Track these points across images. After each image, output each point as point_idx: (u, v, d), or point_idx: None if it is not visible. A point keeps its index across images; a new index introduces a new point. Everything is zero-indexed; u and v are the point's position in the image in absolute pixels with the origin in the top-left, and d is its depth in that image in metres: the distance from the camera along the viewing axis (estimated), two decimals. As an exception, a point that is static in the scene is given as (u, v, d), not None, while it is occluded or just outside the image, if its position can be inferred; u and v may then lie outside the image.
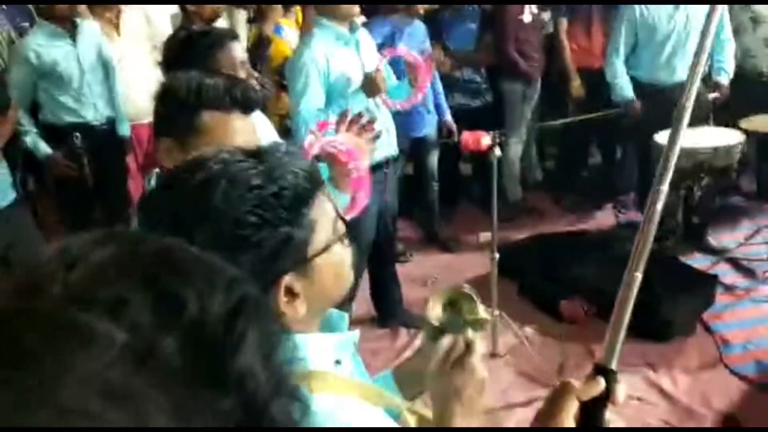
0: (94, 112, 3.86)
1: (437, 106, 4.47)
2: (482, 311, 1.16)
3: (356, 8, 3.24)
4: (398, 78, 3.42)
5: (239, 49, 2.19)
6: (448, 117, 4.47)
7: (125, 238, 0.46)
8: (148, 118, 4.16)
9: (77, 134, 3.78)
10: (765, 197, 4.58)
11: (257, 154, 0.96)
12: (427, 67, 3.21)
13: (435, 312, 1.16)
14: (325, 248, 0.99)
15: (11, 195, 3.36)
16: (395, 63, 3.46)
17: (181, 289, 0.43)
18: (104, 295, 0.41)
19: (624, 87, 4.25)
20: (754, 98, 4.25)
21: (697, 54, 0.98)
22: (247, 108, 1.56)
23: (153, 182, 1.67)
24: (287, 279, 0.96)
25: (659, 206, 0.92)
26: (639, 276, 0.92)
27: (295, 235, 0.95)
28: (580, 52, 4.86)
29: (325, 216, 1.00)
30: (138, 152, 4.19)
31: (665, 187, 0.93)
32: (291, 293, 0.96)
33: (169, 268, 0.45)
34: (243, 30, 3.83)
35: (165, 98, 1.60)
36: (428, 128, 4.43)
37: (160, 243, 0.47)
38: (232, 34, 2.28)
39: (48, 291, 0.41)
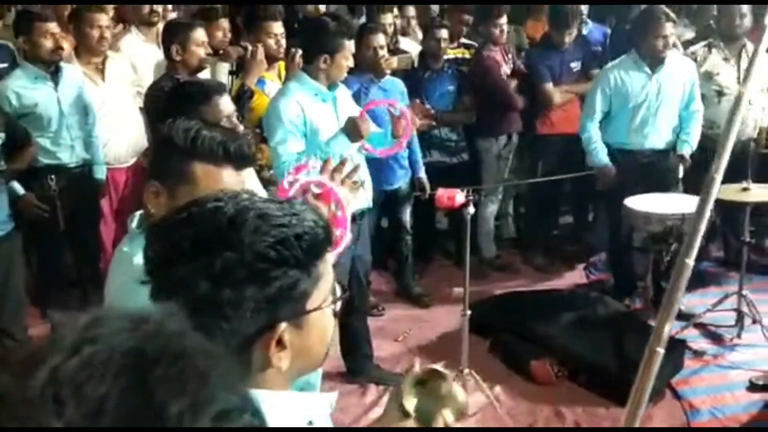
0: (70, 155, 3.86)
1: (412, 162, 4.54)
2: (459, 393, 1.16)
3: (345, 72, 3.32)
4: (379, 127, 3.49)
5: (227, 103, 2.22)
6: (422, 174, 4.54)
7: (140, 330, 0.46)
8: (126, 163, 4.21)
9: (52, 176, 3.78)
10: (732, 265, 4.66)
11: (280, 201, 1.02)
12: (410, 117, 3.29)
13: (408, 396, 1.16)
14: (322, 305, 1.02)
15: (8, 227, 3.41)
16: (375, 116, 3.53)
17: (168, 401, 0.43)
18: (88, 392, 0.41)
19: (599, 152, 4.35)
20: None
21: (729, 121, 1.03)
22: (240, 164, 1.58)
23: (135, 224, 1.67)
24: (282, 327, 0.98)
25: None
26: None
27: (302, 283, 0.98)
28: (559, 117, 4.97)
29: (328, 275, 1.04)
30: (113, 196, 4.18)
31: (691, 261, 0.98)
32: (280, 344, 0.98)
33: (164, 375, 0.44)
34: (224, 82, 3.87)
35: (161, 143, 1.63)
36: (401, 182, 4.48)
37: (172, 343, 0.46)
38: (221, 88, 2.32)
39: (37, 374, 0.41)
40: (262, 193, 2.56)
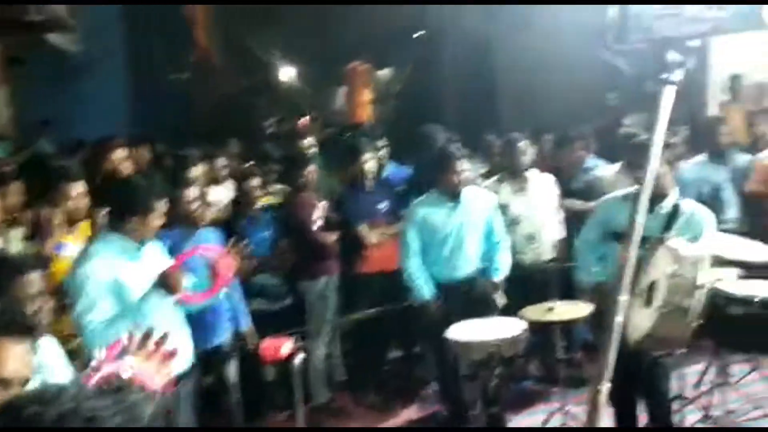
0: None
1: (234, 314, 4.39)
2: None
3: (156, 228, 3.22)
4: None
5: (37, 280, 2.07)
6: (245, 325, 4.40)
7: None
8: None
9: None
10: (551, 381, 4.87)
11: (110, 392, 0.92)
12: (227, 261, 3.23)
13: None
14: None
15: None
16: (190, 266, 3.42)
17: None
18: None
19: (422, 287, 4.48)
20: (525, 290, 4.64)
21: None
22: (21, 334, 1.51)
23: None
24: None
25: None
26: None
27: None
28: (377, 256, 5.10)
29: None
30: None
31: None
32: None
33: None
34: (17, 248, 3.58)
35: None
36: (223, 337, 4.30)
37: None
38: (31, 263, 2.17)
39: None
40: (61, 364, 2.34)
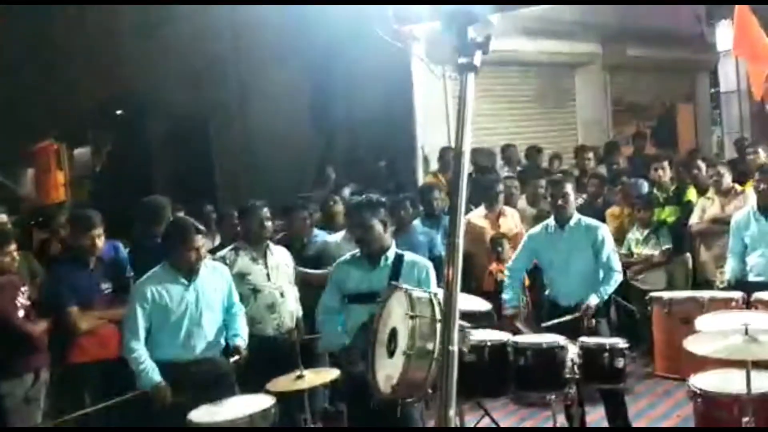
0: None
1: None
2: None
3: None
4: None
5: None
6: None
7: None
8: None
9: None
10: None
11: None
12: None
13: None
14: None
15: None
16: None
17: None
18: None
19: (149, 372, 4.03)
20: (270, 361, 4.40)
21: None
22: None
23: None
24: None
25: None
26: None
27: None
28: (93, 343, 4.54)
29: None
30: None
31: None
32: None
33: None
34: None
35: None
36: None
37: None
38: None
39: None
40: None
